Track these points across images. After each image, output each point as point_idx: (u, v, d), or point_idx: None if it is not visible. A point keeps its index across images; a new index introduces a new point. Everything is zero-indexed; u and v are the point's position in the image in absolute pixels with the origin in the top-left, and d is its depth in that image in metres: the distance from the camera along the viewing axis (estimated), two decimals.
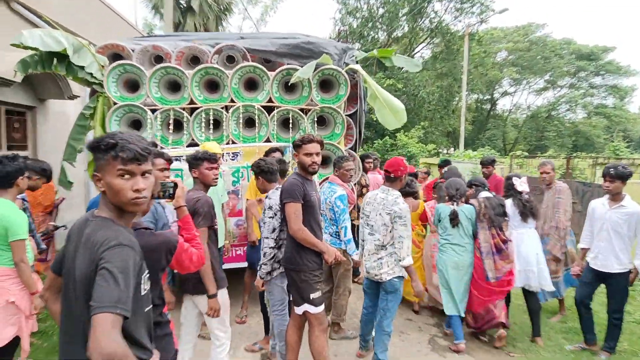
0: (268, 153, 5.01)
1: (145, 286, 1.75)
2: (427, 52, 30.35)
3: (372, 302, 4.29)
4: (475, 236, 4.69)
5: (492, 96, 38.49)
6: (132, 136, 1.70)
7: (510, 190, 4.93)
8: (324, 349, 3.56)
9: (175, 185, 2.53)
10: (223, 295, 3.41)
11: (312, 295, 3.50)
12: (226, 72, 5.66)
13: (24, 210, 3.96)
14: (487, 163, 6.71)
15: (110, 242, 1.58)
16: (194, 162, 3.44)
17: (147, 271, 1.77)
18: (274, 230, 3.74)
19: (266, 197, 3.86)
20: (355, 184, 6.25)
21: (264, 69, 5.69)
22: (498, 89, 37.75)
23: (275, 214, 3.72)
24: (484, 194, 4.86)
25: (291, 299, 3.76)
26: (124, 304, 1.48)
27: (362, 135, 6.75)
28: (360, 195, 6.28)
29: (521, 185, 4.85)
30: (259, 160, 4.05)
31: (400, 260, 3.86)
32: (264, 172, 3.92)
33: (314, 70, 5.70)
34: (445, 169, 6.30)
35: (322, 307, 3.56)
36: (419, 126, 25.56)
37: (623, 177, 4.11)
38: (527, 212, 4.77)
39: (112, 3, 10.29)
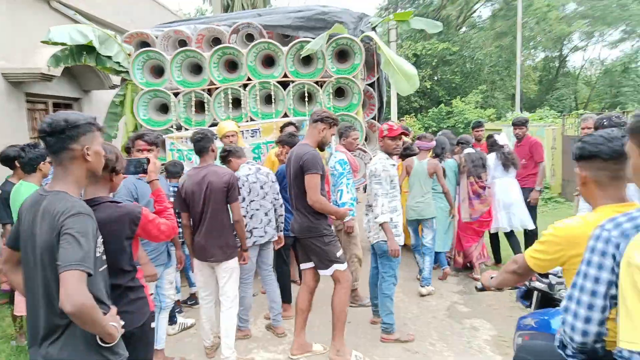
0: (283, 127, 5.18)
1: (99, 249, 1.97)
2: (486, 10, 28.85)
3: (375, 263, 4.40)
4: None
5: (561, 52, 35.84)
6: None
7: (494, 145, 5.79)
8: (346, 305, 3.78)
9: (148, 161, 2.71)
10: (236, 262, 3.83)
11: (338, 254, 3.71)
12: (242, 51, 5.79)
13: None
14: (519, 124, 6.37)
15: (70, 211, 1.81)
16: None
17: (100, 236, 1.99)
18: (243, 199, 4.05)
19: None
20: None
21: (278, 44, 5.75)
22: (567, 44, 35.07)
23: (243, 185, 4.05)
24: (467, 150, 5.76)
25: (303, 267, 3.91)
26: (88, 263, 1.72)
27: (384, 103, 6.65)
28: None
29: (502, 140, 5.76)
30: (224, 147, 4.32)
31: (375, 218, 3.95)
32: (232, 153, 4.19)
33: (328, 41, 5.67)
34: (440, 132, 6.48)
35: (346, 264, 3.78)
36: (476, 90, 24.52)
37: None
38: (509, 162, 5.65)
39: None
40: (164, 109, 6.14)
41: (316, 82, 5.86)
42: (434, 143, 5.32)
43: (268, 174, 4.29)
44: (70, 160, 1.97)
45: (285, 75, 5.83)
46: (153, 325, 2.56)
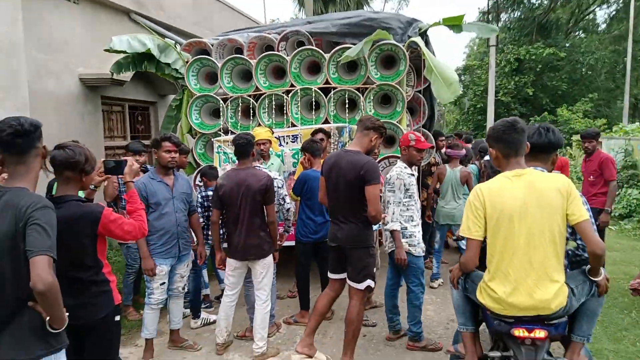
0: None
1: None
2: (600, 13, 26.24)
3: (392, 274, 4.28)
4: None
5: None
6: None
7: None
8: (362, 322, 3.76)
9: (125, 162, 2.86)
10: (271, 258, 4.08)
11: (374, 270, 3.73)
12: (287, 58, 5.87)
13: None
14: (589, 137, 5.72)
15: (37, 204, 2.01)
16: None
17: None
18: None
19: None
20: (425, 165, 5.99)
21: (320, 51, 5.75)
22: None
23: None
24: (487, 157, 5.71)
25: (333, 276, 3.84)
26: (54, 251, 1.94)
27: (435, 112, 6.34)
28: (430, 174, 5.97)
29: None
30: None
31: (385, 225, 3.93)
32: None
33: (371, 47, 5.55)
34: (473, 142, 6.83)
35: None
36: (585, 99, 22.36)
37: None
38: None
39: (238, 4, 11.35)
40: (216, 113, 6.42)
41: (358, 89, 5.75)
42: (464, 151, 5.42)
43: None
44: (34, 157, 2.16)
45: (327, 82, 5.81)
46: (117, 318, 2.68)
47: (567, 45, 24.17)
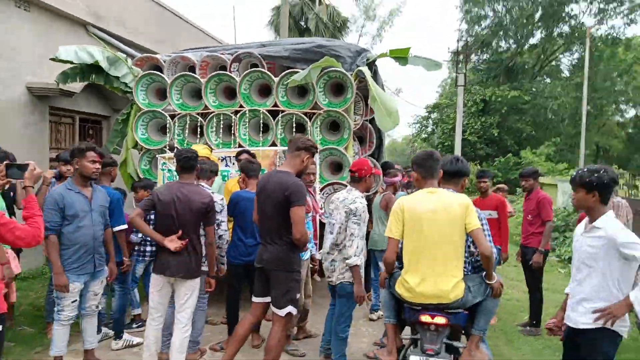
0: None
1: None
2: (565, 60, 27.44)
3: (335, 302, 4.14)
4: None
5: None
6: None
7: None
8: (282, 348, 3.72)
9: (27, 166, 2.75)
10: (198, 281, 3.88)
11: (297, 296, 3.62)
12: (237, 79, 5.87)
13: None
14: (526, 175, 5.79)
15: None
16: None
17: None
18: None
19: None
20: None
21: (270, 74, 5.77)
22: None
23: None
24: None
25: (256, 300, 3.73)
26: None
27: (383, 142, 6.40)
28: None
29: None
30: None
31: (347, 259, 3.73)
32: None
33: (320, 73, 5.60)
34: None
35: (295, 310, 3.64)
36: (549, 142, 23.09)
37: (590, 185, 2.75)
38: None
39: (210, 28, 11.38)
40: (164, 130, 6.31)
41: (306, 114, 5.77)
42: (397, 179, 5.44)
43: None
44: None
45: (276, 105, 5.81)
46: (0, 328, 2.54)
47: (533, 89, 25.05)
